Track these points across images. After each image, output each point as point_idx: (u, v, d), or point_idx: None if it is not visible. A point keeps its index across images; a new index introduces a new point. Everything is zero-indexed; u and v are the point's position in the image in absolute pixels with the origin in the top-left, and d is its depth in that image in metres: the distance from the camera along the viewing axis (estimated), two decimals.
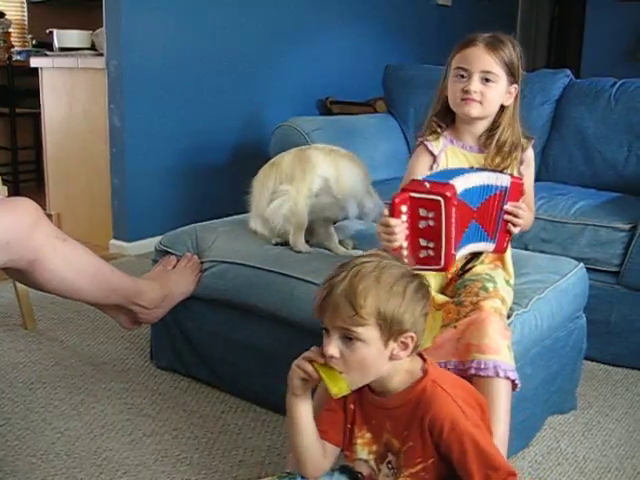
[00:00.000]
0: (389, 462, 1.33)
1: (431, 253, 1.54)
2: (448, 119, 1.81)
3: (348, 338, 1.24)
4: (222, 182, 3.71)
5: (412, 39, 5.05)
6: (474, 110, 1.71)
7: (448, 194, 1.49)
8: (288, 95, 4.21)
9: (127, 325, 2.07)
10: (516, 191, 1.62)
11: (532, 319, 1.76)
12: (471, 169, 1.67)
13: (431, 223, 1.52)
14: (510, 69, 1.71)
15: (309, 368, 1.29)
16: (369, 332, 1.22)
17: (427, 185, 1.52)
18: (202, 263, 2.11)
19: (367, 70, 4.43)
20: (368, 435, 1.36)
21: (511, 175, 1.64)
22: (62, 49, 3.88)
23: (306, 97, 4.32)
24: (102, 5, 3.42)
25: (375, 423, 1.34)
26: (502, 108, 1.76)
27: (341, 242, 2.14)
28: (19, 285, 2.50)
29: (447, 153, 1.79)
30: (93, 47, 3.85)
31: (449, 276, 1.73)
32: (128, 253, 3.55)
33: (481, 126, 1.77)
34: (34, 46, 5.43)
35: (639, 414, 2.12)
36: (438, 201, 1.49)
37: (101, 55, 3.54)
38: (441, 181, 1.53)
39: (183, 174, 3.74)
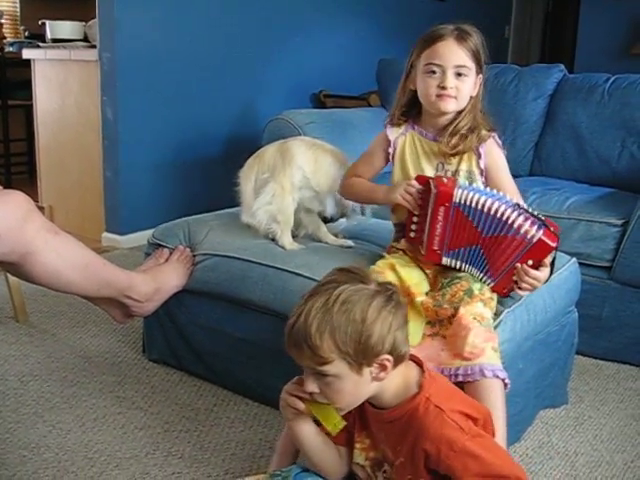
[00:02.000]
0: (384, 471, 1.32)
1: (423, 238, 1.67)
2: (414, 111, 1.82)
3: (320, 374, 1.21)
4: (215, 175, 3.70)
5: (406, 33, 5.00)
6: (450, 106, 1.71)
7: (442, 189, 1.60)
8: (282, 88, 4.20)
9: (119, 318, 2.07)
10: (539, 250, 1.55)
11: (524, 313, 1.76)
12: (510, 202, 1.62)
13: (428, 211, 1.64)
14: (478, 60, 1.71)
15: (300, 406, 1.29)
16: (337, 367, 1.19)
17: (444, 180, 1.65)
18: (194, 256, 2.10)
19: (361, 64, 4.42)
20: (367, 441, 1.34)
21: (546, 230, 1.56)
22: (55, 40, 3.85)
23: (299, 90, 4.31)
24: None
25: (374, 432, 1.33)
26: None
27: (334, 236, 2.14)
28: (11, 278, 2.49)
29: (407, 137, 1.82)
30: (86, 39, 3.83)
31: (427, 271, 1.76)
32: (121, 246, 3.54)
33: (448, 118, 1.77)
34: (26, 38, 5.40)
35: (630, 408, 2.13)
36: (430, 191, 1.63)
37: (94, 47, 3.52)
38: (455, 185, 1.64)
39: (176, 167, 3.73)
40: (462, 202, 1.59)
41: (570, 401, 2.15)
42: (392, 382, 1.26)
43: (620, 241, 2.40)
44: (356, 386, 1.22)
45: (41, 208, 3.64)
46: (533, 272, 1.56)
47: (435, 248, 1.65)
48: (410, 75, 1.77)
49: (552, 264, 1.60)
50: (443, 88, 1.68)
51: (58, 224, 1.82)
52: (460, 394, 1.36)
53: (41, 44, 4.04)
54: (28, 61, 3.84)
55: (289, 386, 1.33)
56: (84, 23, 3.85)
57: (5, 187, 1.80)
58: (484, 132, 1.76)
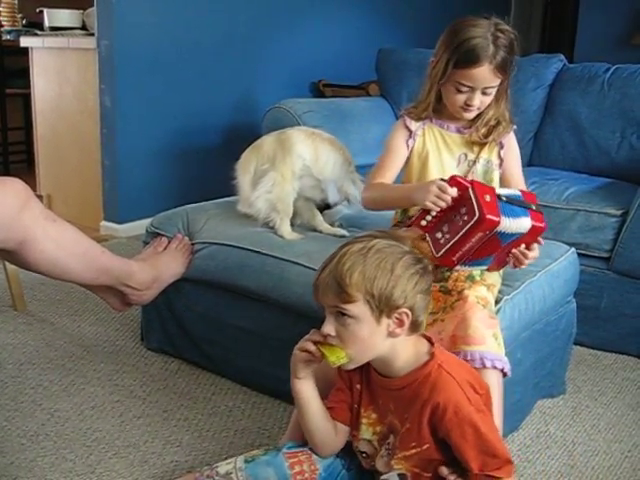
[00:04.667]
0: (388, 443, 1.35)
1: (442, 241, 1.56)
2: (440, 106, 1.80)
3: (341, 314, 1.27)
4: (214, 164, 3.68)
5: (406, 22, 5.01)
6: (472, 115, 1.74)
7: (488, 217, 1.48)
8: (280, 77, 4.18)
9: (118, 307, 2.07)
10: (532, 234, 1.58)
11: (523, 302, 1.77)
12: (522, 206, 1.58)
13: (460, 222, 1.52)
14: (508, 68, 1.69)
15: (311, 347, 1.33)
16: (358, 308, 1.25)
17: (487, 198, 1.51)
18: (193, 245, 2.10)
19: (360, 53, 4.40)
20: (374, 415, 1.38)
21: (532, 216, 1.56)
22: (52, 29, 3.84)
23: (298, 79, 4.30)
24: None
25: (381, 404, 1.37)
26: None
27: (331, 225, 2.14)
28: (9, 266, 2.49)
29: (425, 130, 1.81)
30: (84, 27, 3.81)
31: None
32: (119, 235, 3.54)
33: None
34: (24, 26, 5.37)
35: (627, 398, 2.14)
36: (475, 214, 1.49)
37: (92, 35, 3.50)
38: (499, 207, 1.51)
39: (174, 156, 3.72)
40: (500, 231, 1.52)
41: (568, 391, 2.15)
42: (405, 350, 1.32)
43: (619, 231, 2.40)
44: (371, 335, 1.27)
45: (39, 197, 3.61)
46: (531, 254, 1.59)
47: (454, 259, 1.55)
48: (442, 79, 1.71)
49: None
50: (469, 105, 1.70)
51: (56, 213, 1.82)
52: (467, 366, 1.40)
53: (39, 32, 4.02)
54: (26, 49, 3.82)
55: (304, 337, 1.37)
56: (82, 11, 3.83)
57: (3, 175, 1.80)
58: (508, 123, 1.78)
